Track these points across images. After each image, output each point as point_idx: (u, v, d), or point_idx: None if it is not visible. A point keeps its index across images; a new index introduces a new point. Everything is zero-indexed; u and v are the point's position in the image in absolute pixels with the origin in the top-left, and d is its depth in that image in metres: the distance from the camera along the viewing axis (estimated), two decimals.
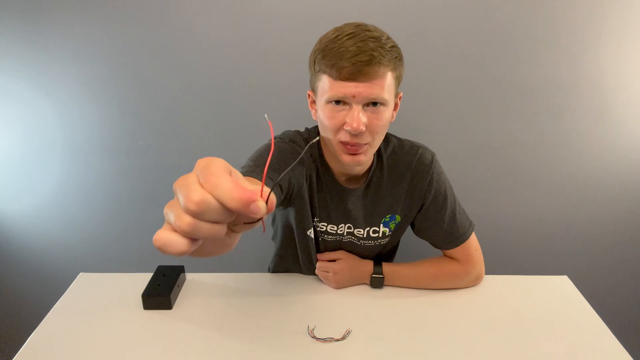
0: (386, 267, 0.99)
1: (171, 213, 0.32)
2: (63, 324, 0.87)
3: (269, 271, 1.15)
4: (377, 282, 0.98)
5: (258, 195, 0.32)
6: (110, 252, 1.58)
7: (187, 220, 0.31)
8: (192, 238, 0.32)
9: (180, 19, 1.25)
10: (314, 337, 0.84)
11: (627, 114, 1.36)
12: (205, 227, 0.32)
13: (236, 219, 0.35)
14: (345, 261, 1.00)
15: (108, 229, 1.54)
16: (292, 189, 0.86)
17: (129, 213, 1.52)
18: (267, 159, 0.80)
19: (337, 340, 0.83)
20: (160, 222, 1.58)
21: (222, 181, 0.31)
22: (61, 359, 0.79)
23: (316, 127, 0.95)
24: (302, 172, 0.89)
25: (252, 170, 0.76)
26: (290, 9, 1.24)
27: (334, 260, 1.00)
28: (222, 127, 1.39)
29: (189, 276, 1.02)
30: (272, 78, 1.32)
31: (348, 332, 0.85)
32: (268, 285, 1.00)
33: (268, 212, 0.33)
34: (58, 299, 0.94)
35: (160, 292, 0.91)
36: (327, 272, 0.99)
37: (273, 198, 0.34)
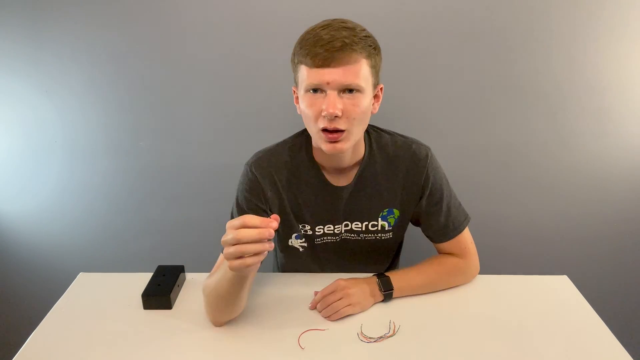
0: (390, 275, 0.94)
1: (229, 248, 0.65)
2: (63, 324, 0.87)
3: (276, 268, 1.17)
4: (386, 285, 0.93)
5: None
6: (110, 252, 1.58)
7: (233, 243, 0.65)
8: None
9: (181, 19, 1.25)
10: (364, 338, 0.83)
11: (627, 114, 1.36)
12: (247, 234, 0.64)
13: None
14: (344, 280, 0.92)
15: (108, 229, 1.54)
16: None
17: (129, 213, 1.52)
18: (244, 198, 0.95)
19: (389, 336, 0.83)
20: (159, 221, 1.59)
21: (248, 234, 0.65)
22: (61, 359, 0.79)
23: (299, 132, 0.98)
24: (271, 190, 0.95)
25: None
26: (291, 10, 1.24)
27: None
28: (222, 127, 1.39)
29: (189, 276, 1.02)
30: (272, 78, 1.32)
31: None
32: (269, 285, 1.00)
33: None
34: (58, 299, 0.94)
35: (160, 292, 0.91)
36: (339, 299, 0.88)
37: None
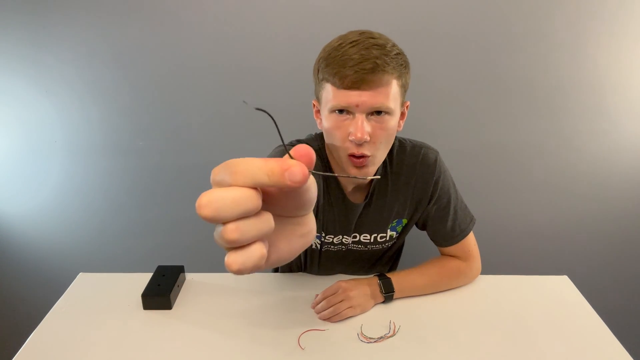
0: (391, 277, 0.94)
1: (217, 236, 0.27)
2: (63, 324, 0.87)
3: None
4: (387, 287, 0.93)
5: (287, 161, 0.26)
6: (110, 252, 1.58)
7: (218, 233, 0.26)
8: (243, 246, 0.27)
9: (181, 19, 1.25)
10: (364, 338, 0.83)
11: (627, 113, 1.36)
12: (250, 225, 0.26)
13: (280, 202, 0.29)
14: (345, 282, 0.92)
15: (108, 229, 1.54)
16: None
17: (129, 213, 1.52)
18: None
19: (390, 337, 0.83)
20: (159, 221, 1.59)
21: (249, 164, 0.26)
22: (61, 359, 0.79)
23: (320, 135, 0.93)
24: (319, 185, 0.87)
25: None
26: (296, 12, 1.23)
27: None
28: (222, 127, 1.39)
29: (189, 276, 1.02)
30: (272, 78, 1.32)
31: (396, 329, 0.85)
32: (268, 285, 1.00)
33: (308, 167, 0.27)
34: (58, 299, 0.94)
35: (160, 292, 0.91)
36: (340, 301, 0.88)
37: (309, 152, 0.27)
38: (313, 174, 0.27)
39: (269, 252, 0.30)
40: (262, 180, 0.26)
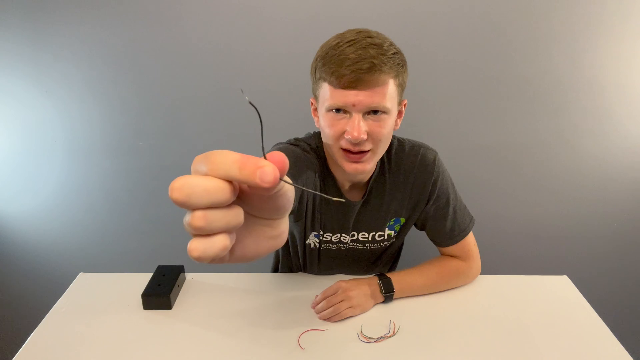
0: (391, 277, 0.94)
1: (185, 222, 0.28)
2: (63, 324, 0.87)
3: (272, 268, 1.15)
4: (387, 286, 0.93)
5: (262, 161, 0.27)
6: (110, 252, 1.58)
7: (186, 219, 0.27)
8: (206, 235, 0.28)
9: (182, 19, 1.25)
10: (364, 338, 0.83)
11: (626, 114, 1.36)
12: (217, 215, 0.27)
13: (255, 201, 0.30)
14: (345, 282, 0.92)
15: (108, 229, 1.54)
16: (306, 202, 0.86)
17: (129, 213, 1.52)
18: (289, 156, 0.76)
19: (390, 337, 0.83)
20: (159, 221, 1.59)
21: (225, 156, 0.27)
22: (61, 359, 0.79)
23: (319, 133, 0.93)
24: (313, 183, 0.87)
25: None
26: (294, 11, 1.23)
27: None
28: (222, 128, 1.39)
29: (189, 276, 1.02)
30: (273, 79, 1.32)
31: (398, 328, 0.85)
32: (268, 285, 1.00)
33: (280, 173, 0.27)
34: (58, 299, 0.94)
35: (160, 292, 0.91)
36: (340, 301, 0.88)
37: (282, 158, 0.28)
38: (284, 181, 0.29)
39: (234, 247, 0.31)
40: (233, 173, 0.26)
